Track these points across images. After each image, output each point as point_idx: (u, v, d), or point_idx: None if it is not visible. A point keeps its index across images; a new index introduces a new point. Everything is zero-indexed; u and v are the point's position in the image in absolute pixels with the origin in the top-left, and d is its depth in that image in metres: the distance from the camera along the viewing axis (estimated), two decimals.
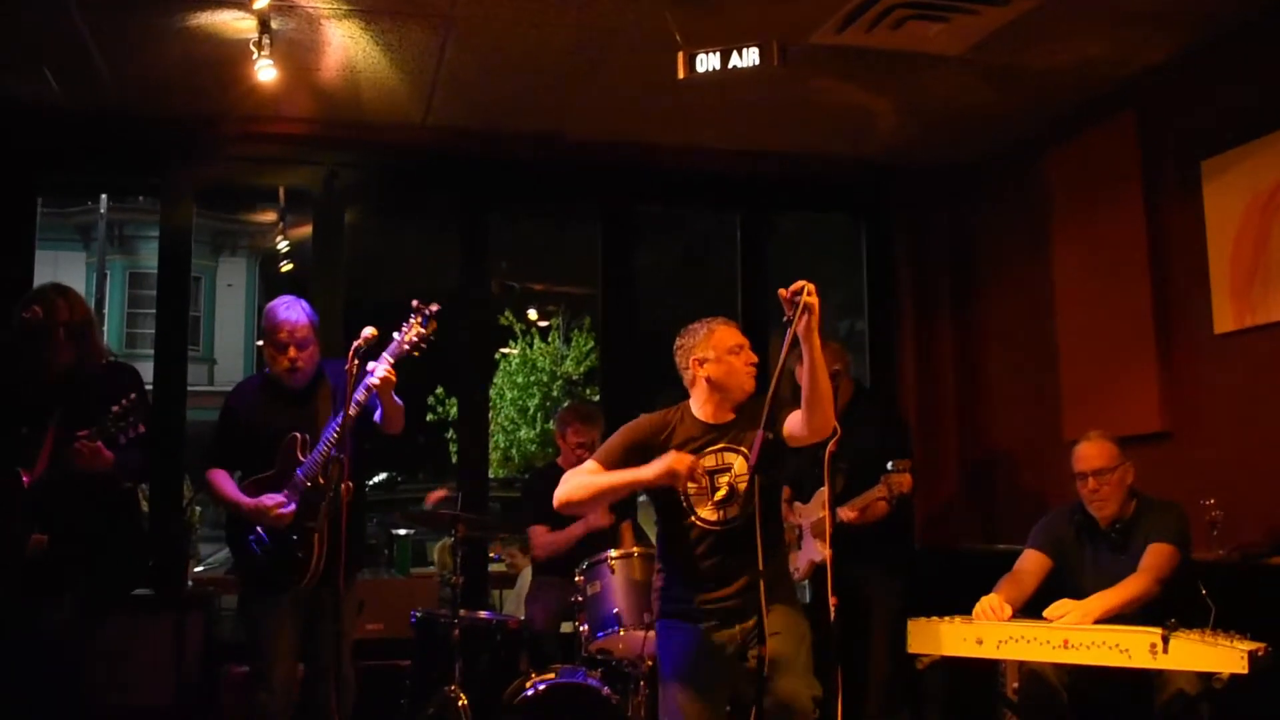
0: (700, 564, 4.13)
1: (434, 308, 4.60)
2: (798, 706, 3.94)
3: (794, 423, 4.00)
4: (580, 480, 4.27)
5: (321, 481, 4.66)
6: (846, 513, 5.43)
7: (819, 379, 3.86)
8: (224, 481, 4.89)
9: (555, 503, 4.35)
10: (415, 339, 4.58)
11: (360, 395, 4.55)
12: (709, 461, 4.15)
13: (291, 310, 4.86)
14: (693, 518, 4.15)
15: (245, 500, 4.75)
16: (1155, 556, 4.46)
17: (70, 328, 4.61)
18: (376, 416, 4.72)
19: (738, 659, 4.10)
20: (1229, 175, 5.42)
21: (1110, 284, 6.08)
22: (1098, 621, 4.20)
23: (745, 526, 3.90)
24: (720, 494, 4.11)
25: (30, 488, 4.37)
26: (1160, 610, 4.11)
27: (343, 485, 4.50)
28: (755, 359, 4.24)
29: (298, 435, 4.78)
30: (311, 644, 4.81)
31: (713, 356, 4.19)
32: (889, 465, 5.38)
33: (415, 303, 4.61)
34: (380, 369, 4.53)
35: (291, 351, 4.82)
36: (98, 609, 4.58)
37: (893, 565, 5.70)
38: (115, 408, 4.35)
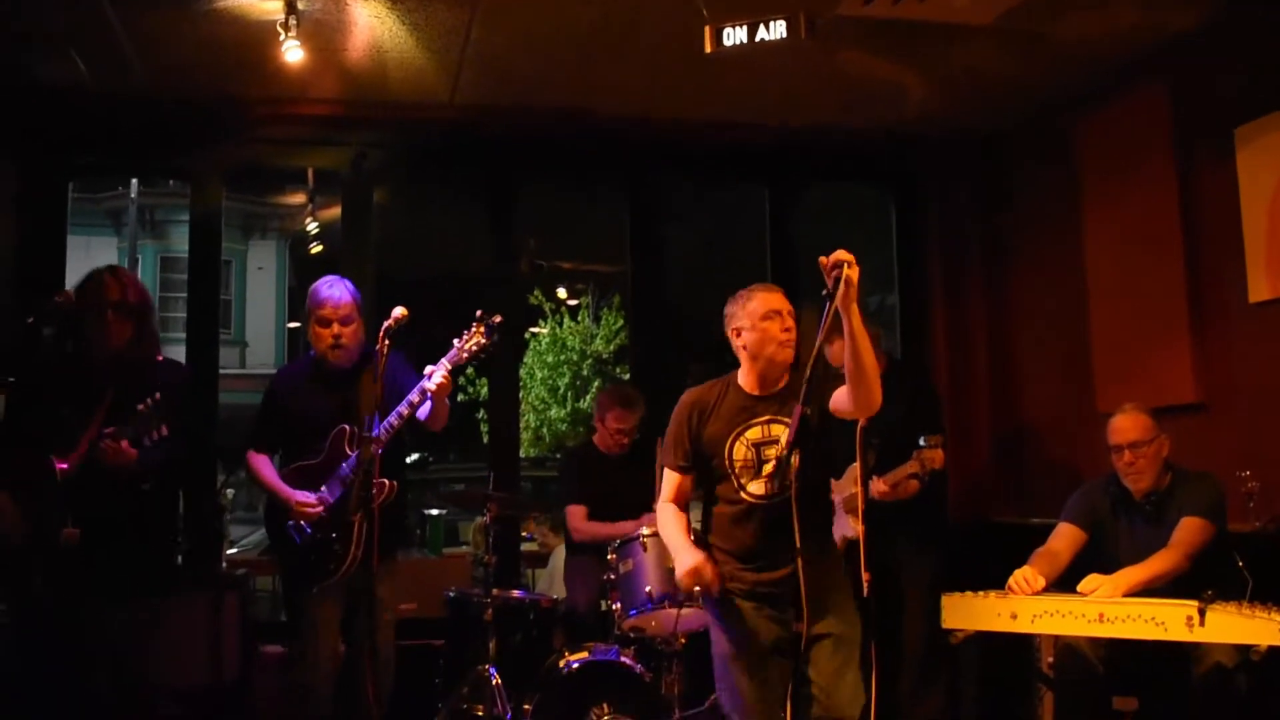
0: (751, 540, 4.09)
1: (497, 319, 4.62)
2: None
3: (840, 398, 3.92)
4: (663, 517, 4.28)
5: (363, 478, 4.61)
6: (878, 486, 5.40)
7: (862, 354, 3.76)
8: (264, 466, 4.93)
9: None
10: (474, 348, 4.61)
11: (415, 397, 4.59)
12: (755, 434, 4.11)
13: (335, 288, 4.91)
14: (741, 493, 4.11)
15: (283, 489, 4.81)
16: (1186, 531, 4.44)
17: (121, 308, 4.64)
18: (421, 414, 4.71)
19: (793, 641, 4.04)
20: (1263, 142, 5.36)
21: (1143, 254, 6.02)
22: (1128, 595, 4.18)
23: (787, 465, 3.90)
24: (768, 467, 4.05)
25: (65, 477, 4.38)
26: (1196, 583, 4.09)
27: (382, 483, 4.53)
28: (791, 326, 4.13)
29: (346, 428, 4.81)
30: (352, 626, 4.85)
31: (747, 325, 4.14)
32: (921, 441, 5.34)
33: (479, 312, 4.62)
34: (437, 375, 4.56)
35: (335, 328, 4.86)
36: (129, 604, 4.62)
37: (925, 540, 5.68)
38: (141, 406, 4.36)
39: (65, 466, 4.39)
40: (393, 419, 4.62)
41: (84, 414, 4.47)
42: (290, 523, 4.83)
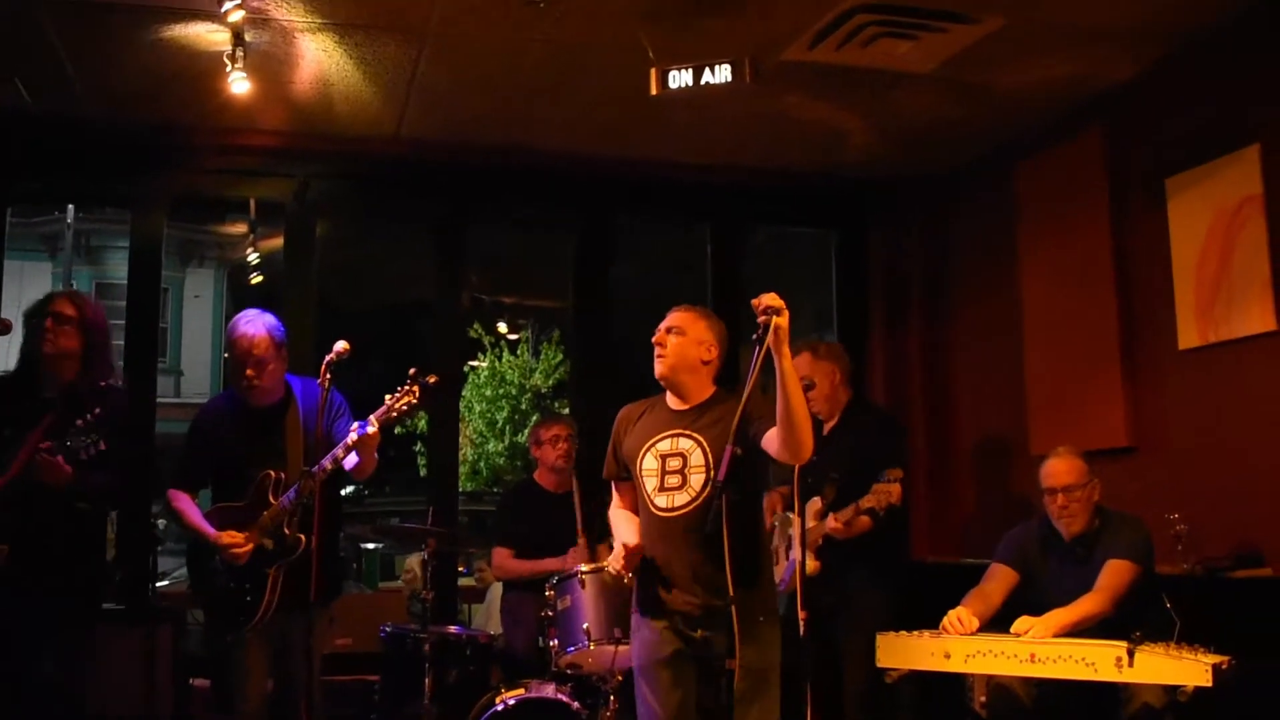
0: (660, 553, 4.13)
1: (433, 379, 4.51)
2: None
3: (770, 441, 3.95)
4: (613, 519, 4.42)
5: (286, 531, 4.56)
6: (831, 523, 5.35)
7: (793, 400, 3.79)
8: (186, 505, 4.80)
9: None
10: (404, 408, 4.50)
11: (339, 451, 4.49)
12: (664, 446, 4.17)
13: (252, 324, 4.76)
14: (650, 505, 4.18)
15: (206, 528, 4.67)
16: (1112, 575, 4.50)
17: (60, 319, 4.55)
18: (347, 464, 4.57)
19: (705, 662, 4.10)
20: (1193, 192, 5.49)
21: (1077, 298, 6.13)
22: (1057, 636, 4.24)
23: (706, 529, 3.87)
24: (671, 480, 4.12)
25: None
26: (1125, 624, 4.15)
27: (300, 538, 4.49)
28: (661, 340, 4.20)
29: (271, 474, 4.67)
30: (282, 663, 4.74)
31: None
32: (881, 475, 5.32)
33: (413, 371, 4.51)
34: (365, 429, 4.44)
35: (248, 370, 4.72)
36: (60, 623, 4.52)
37: (878, 578, 5.59)
38: (79, 421, 4.29)
39: None
40: (317, 470, 4.49)
41: (22, 433, 4.39)
42: (215, 560, 4.67)
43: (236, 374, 4.77)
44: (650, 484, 4.18)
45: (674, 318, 4.25)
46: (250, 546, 4.60)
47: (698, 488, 4.06)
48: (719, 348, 4.25)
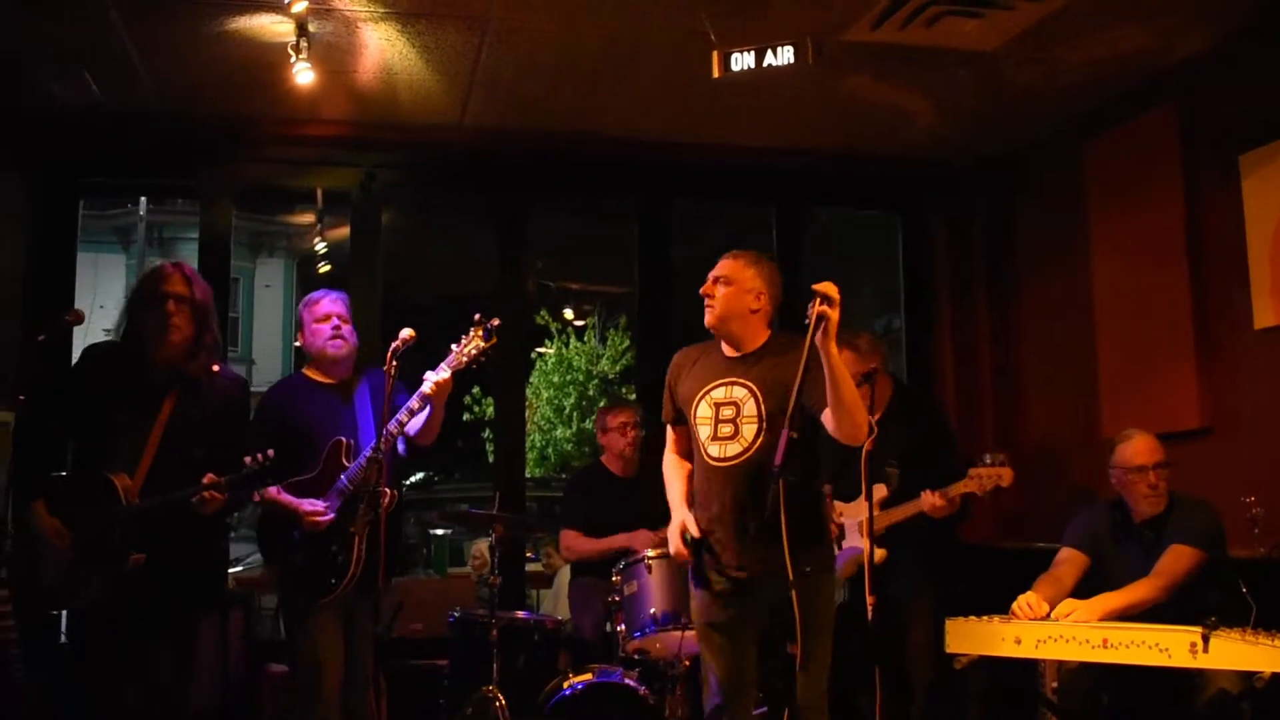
0: (711, 505, 4.15)
1: (495, 322, 4.55)
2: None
3: (828, 421, 3.96)
4: (667, 469, 4.46)
5: (365, 488, 4.54)
6: (932, 499, 5.27)
7: (840, 388, 3.83)
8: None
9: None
10: (474, 352, 4.54)
11: (415, 403, 4.53)
12: (719, 394, 4.18)
13: (330, 292, 4.97)
14: (704, 453, 4.20)
15: (288, 499, 4.67)
16: (1173, 560, 4.44)
17: (183, 301, 4.47)
18: (413, 428, 4.63)
19: (759, 615, 4.12)
20: (1268, 169, 5.38)
21: (1149, 279, 6.04)
22: (1104, 620, 4.18)
23: (757, 470, 3.94)
24: (724, 429, 4.13)
25: (131, 501, 4.27)
26: (1199, 609, 4.08)
27: (385, 491, 4.46)
28: (710, 292, 4.21)
29: (343, 440, 4.73)
30: (350, 649, 4.76)
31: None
32: (986, 458, 5.27)
33: (477, 316, 4.55)
34: (436, 376, 4.50)
35: (335, 320, 4.84)
36: (180, 629, 4.53)
37: (940, 565, 5.58)
38: (249, 460, 4.27)
39: (129, 485, 4.28)
40: (392, 425, 4.53)
41: (140, 426, 4.35)
42: (293, 534, 4.69)
43: (318, 333, 4.85)
44: (704, 432, 4.18)
45: (722, 266, 4.25)
46: (332, 516, 4.62)
47: (750, 438, 4.06)
48: (769, 294, 4.22)
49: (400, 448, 4.76)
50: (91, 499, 4.26)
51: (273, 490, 4.72)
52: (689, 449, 4.35)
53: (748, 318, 4.20)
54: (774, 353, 4.12)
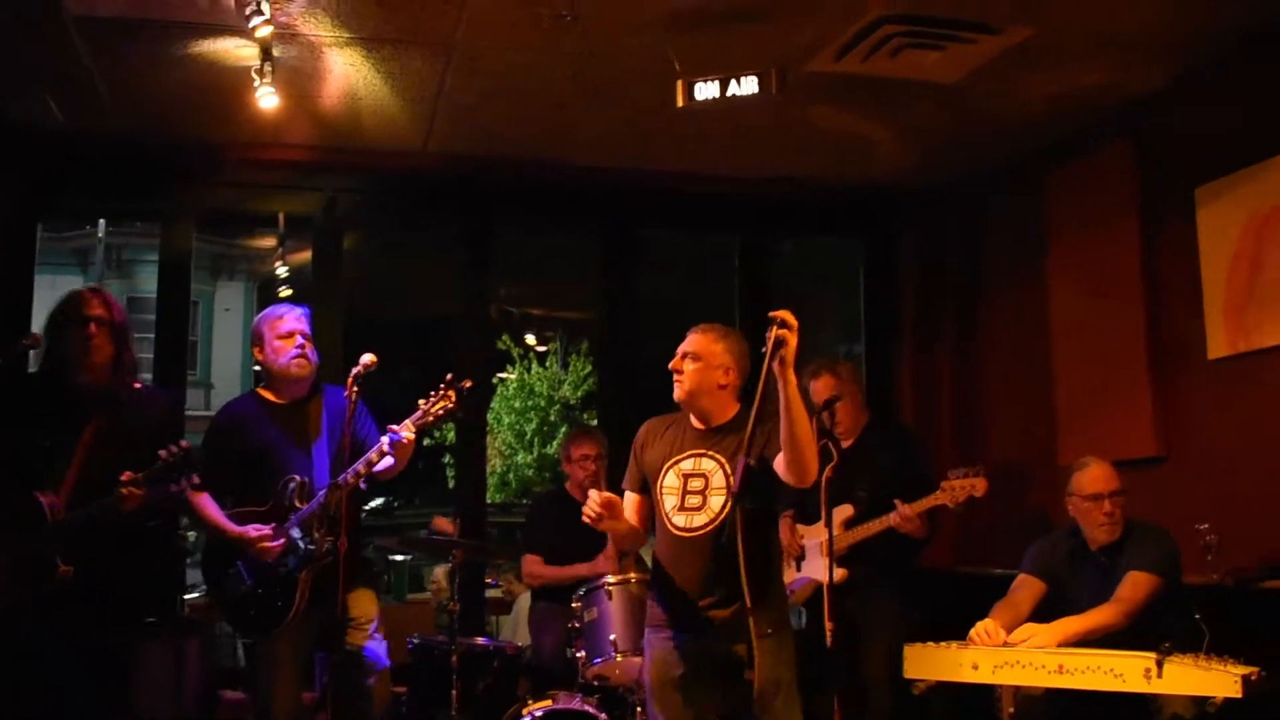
0: (672, 572, 4.13)
1: (467, 384, 4.51)
2: None
3: (779, 464, 3.95)
4: None
5: (316, 534, 4.53)
6: (905, 511, 5.30)
7: (795, 422, 3.78)
8: (207, 504, 4.76)
9: None
10: (440, 412, 4.49)
11: (373, 456, 4.49)
12: (687, 465, 4.17)
13: (293, 307, 4.89)
14: (668, 523, 4.18)
15: (231, 526, 4.64)
16: (1132, 587, 4.48)
17: (103, 323, 4.50)
18: (379, 468, 4.60)
19: (720, 676, 4.08)
20: (1223, 202, 5.46)
21: (1106, 309, 6.11)
22: (1062, 645, 4.22)
23: (720, 540, 3.90)
24: (693, 500, 4.12)
25: (57, 514, 4.25)
26: (1153, 635, 4.12)
27: (326, 544, 4.43)
28: (677, 368, 4.20)
29: (296, 479, 4.67)
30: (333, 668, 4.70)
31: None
32: (960, 471, 5.29)
33: (449, 376, 4.50)
34: (401, 434, 4.45)
35: (299, 339, 4.78)
36: (121, 638, 4.53)
37: (896, 588, 5.60)
38: (164, 453, 4.25)
39: (55, 503, 4.26)
40: (349, 475, 4.50)
41: (66, 445, 4.35)
42: (232, 569, 4.68)
43: (280, 350, 4.79)
44: (670, 502, 4.18)
45: (690, 342, 4.24)
46: (282, 542, 4.58)
47: (717, 509, 4.06)
48: (738, 368, 4.21)
49: (362, 484, 4.69)
50: (18, 520, 4.25)
51: (218, 515, 4.69)
52: (644, 518, 4.33)
53: (716, 393, 4.20)
54: (743, 426, 4.03)
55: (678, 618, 4.12)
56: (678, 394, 4.21)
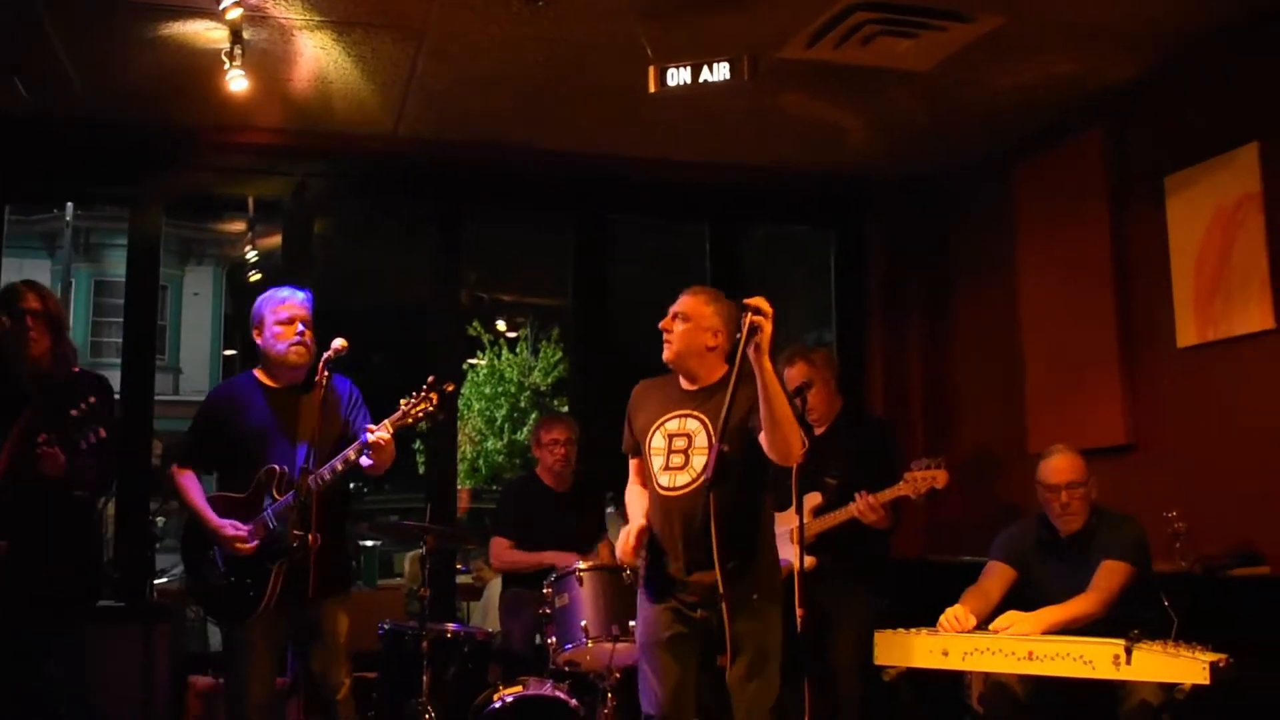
0: (664, 531, 4.17)
1: (450, 388, 4.46)
2: None
3: (763, 440, 3.98)
4: (629, 496, 4.45)
5: (290, 528, 4.42)
6: (867, 500, 5.24)
7: (772, 402, 3.85)
8: (192, 485, 4.72)
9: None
10: (420, 414, 4.42)
11: (351, 454, 4.43)
12: (672, 425, 4.22)
13: (296, 292, 4.79)
14: (654, 483, 4.23)
15: (210, 516, 4.59)
16: (1106, 577, 4.49)
17: (39, 316, 4.57)
18: (363, 461, 4.50)
19: (705, 637, 4.12)
20: (1192, 191, 5.49)
21: (1076, 297, 6.14)
22: (1045, 634, 4.24)
23: (707, 501, 3.91)
24: (675, 459, 4.17)
25: None
26: (1123, 622, 4.15)
27: (302, 536, 4.32)
28: (668, 327, 4.24)
29: (275, 469, 4.58)
30: (303, 662, 4.62)
31: None
32: (923, 461, 5.29)
33: (431, 378, 4.44)
34: (378, 433, 4.37)
35: (300, 326, 4.68)
36: (63, 622, 4.52)
37: (869, 579, 5.61)
38: (74, 411, 4.28)
39: None
40: (325, 472, 4.43)
41: (4, 427, 4.39)
42: (212, 552, 4.62)
43: (281, 336, 4.69)
44: (657, 463, 4.22)
45: (681, 302, 4.27)
46: (255, 544, 4.53)
47: (700, 468, 4.08)
48: (726, 332, 4.22)
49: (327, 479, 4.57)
50: None
51: (199, 500, 4.66)
52: (645, 481, 4.38)
53: (704, 354, 4.23)
54: (737, 390, 4.05)
55: (666, 578, 4.15)
56: (666, 354, 4.25)
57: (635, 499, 4.40)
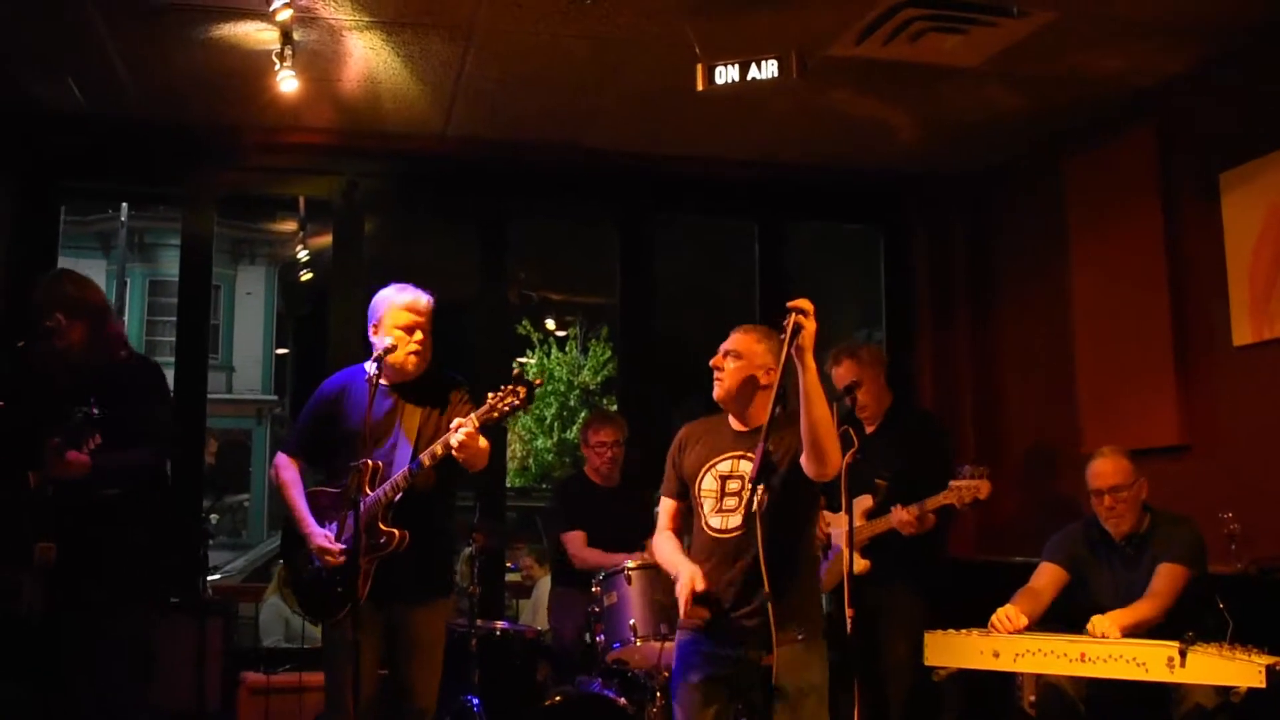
0: (707, 574, 4.01)
1: (538, 382, 4.35)
2: None
3: (803, 458, 3.89)
4: (660, 549, 4.30)
5: (381, 526, 4.36)
6: (901, 514, 5.22)
7: (813, 410, 3.76)
8: (291, 479, 4.65)
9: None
10: (506, 409, 4.27)
11: (438, 449, 4.33)
12: (725, 467, 4.11)
13: (420, 295, 4.63)
14: (704, 524, 4.11)
15: (305, 519, 4.53)
16: (1166, 580, 4.45)
17: (68, 305, 4.54)
18: (456, 456, 4.38)
19: (744, 683, 4.00)
20: (1247, 187, 5.42)
21: (1128, 296, 6.07)
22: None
23: (756, 542, 3.82)
24: (730, 501, 4.05)
25: (34, 491, 4.28)
26: (1177, 624, 4.11)
27: (392, 533, 4.32)
28: (717, 364, 4.12)
29: (369, 464, 4.42)
30: (394, 667, 4.56)
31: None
32: (966, 470, 5.24)
33: (517, 371, 4.34)
34: (462, 431, 4.25)
35: (419, 334, 4.54)
36: (118, 623, 4.48)
37: (920, 579, 5.58)
38: (80, 411, 4.20)
39: (37, 479, 4.29)
40: (414, 466, 4.37)
41: (50, 428, 4.31)
42: (306, 548, 4.53)
43: (401, 341, 4.53)
44: (708, 505, 4.11)
45: (733, 341, 4.16)
46: (342, 558, 4.39)
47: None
48: (779, 370, 3.96)
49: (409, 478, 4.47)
50: (6, 493, 4.32)
51: (297, 500, 4.60)
52: (681, 526, 4.29)
53: (756, 393, 4.12)
54: (782, 426, 3.98)
55: (708, 621, 4.03)
56: (717, 393, 4.15)
57: (670, 548, 4.23)
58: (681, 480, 4.26)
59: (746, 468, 4.01)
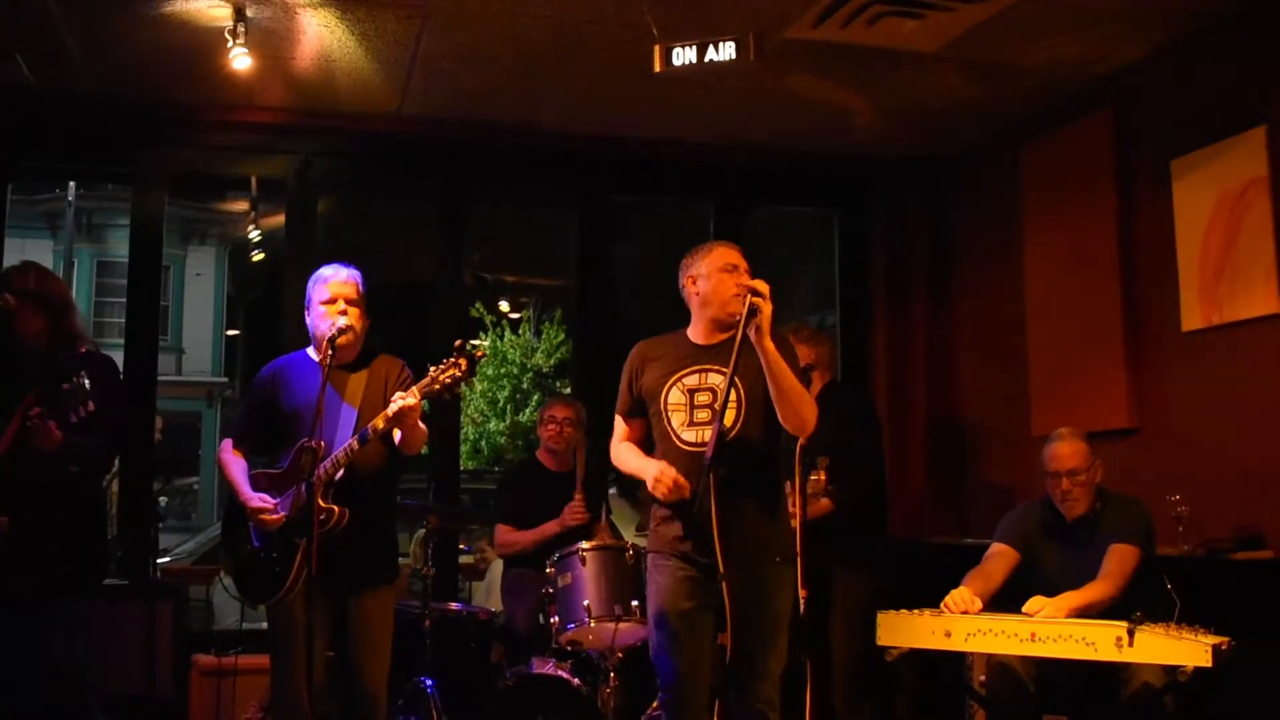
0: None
1: (480, 354, 4.27)
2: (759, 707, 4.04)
3: (779, 415, 4.00)
4: (620, 456, 4.38)
5: (320, 503, 4.28)
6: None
7: (779, 379, 3.91)
8: (232, 460, 4.63)
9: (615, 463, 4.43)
10: (449, 380, 4.21)
11: (379, 423, 4.27)
12: (691, 381, 4.16)
13: (341, 268, 4.61)
14: (674, 438, 4.16)
15: (242, 490, 4.50)
16: (1118, 561, 4.48)
17: (31, 296, 4.55)
18: (395, 438, 4.40)
19: (720, 606, 3.99)
20: (1198, 174, 5.48)
21: (1081, 280, 6.13)
22: (1069, 617, 4.24)
23: (731, 450, 3.95)
24: (700, 414, 4.11)
25: None
26: (1126, 605, 4.15)
27: (331, 510, 4.25)
28: (748, 283, 3.99)
29: (313, 443, 4.33)
30: (339, 650, 4.52)
31: (704, 272, 4.20)
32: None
33: (458, 342, 4.24)
34: (403, 401, 4.20)
35: (342, 305, 4.50)
36: (58, 598, 4.47)
37: (858, 557, 5.62)
38: (65, 385, 4.20)
39: None
40: (354, 442, 4.32)
41: (10, 411, 4.33)
42: (247, 528, 4.51)
43: (324, 317, 4.51)
44: (677, 419, 4.15)
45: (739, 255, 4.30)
46: (281, 516, 4.39)
47: (729, 422, 4.04)
48: (710, 279, 4.21)
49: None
50: None
51: (237, 475, 4.56)
52: (640, 440, 4.34)
53: (692, 300, 4.27)
54: (746, 346, 4.01)
55: (687, 540, 4.08)
56: (738, 307, 4.03)
57: (632, 453, 4.32)
58: (639, 399, 4.31)
59: (716, 380, 4.11)
